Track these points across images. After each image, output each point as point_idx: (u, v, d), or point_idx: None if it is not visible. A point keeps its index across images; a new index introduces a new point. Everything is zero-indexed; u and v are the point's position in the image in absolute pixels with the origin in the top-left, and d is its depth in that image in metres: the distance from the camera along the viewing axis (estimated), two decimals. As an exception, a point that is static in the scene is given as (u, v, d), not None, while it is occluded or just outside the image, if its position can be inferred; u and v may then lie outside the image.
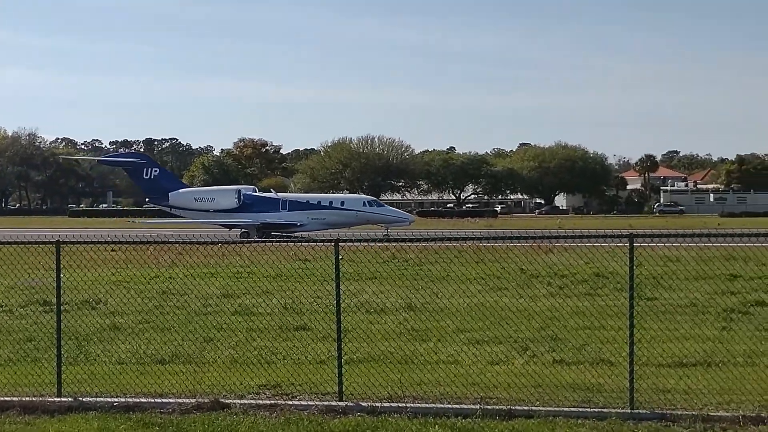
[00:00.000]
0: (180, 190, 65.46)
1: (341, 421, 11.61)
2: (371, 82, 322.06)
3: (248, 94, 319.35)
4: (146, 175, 64.53)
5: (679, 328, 17.47)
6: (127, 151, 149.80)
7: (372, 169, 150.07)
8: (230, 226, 60.30)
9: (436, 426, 11.22)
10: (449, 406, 12.01)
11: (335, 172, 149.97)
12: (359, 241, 19.21)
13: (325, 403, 12.34)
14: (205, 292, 23.63)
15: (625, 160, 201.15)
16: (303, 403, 12.41)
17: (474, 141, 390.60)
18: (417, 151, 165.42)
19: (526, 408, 11.80)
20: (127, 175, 77.22)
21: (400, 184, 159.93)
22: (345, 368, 13.13)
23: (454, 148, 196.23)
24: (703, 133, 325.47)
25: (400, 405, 12.04)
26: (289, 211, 61.61)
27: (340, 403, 12.26)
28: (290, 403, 12.37)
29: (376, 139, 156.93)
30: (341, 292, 13.13)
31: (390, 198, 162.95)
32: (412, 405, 12.05)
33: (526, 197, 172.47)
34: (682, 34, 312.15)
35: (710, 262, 30.50)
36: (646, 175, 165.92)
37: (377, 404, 12.12)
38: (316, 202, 63.60)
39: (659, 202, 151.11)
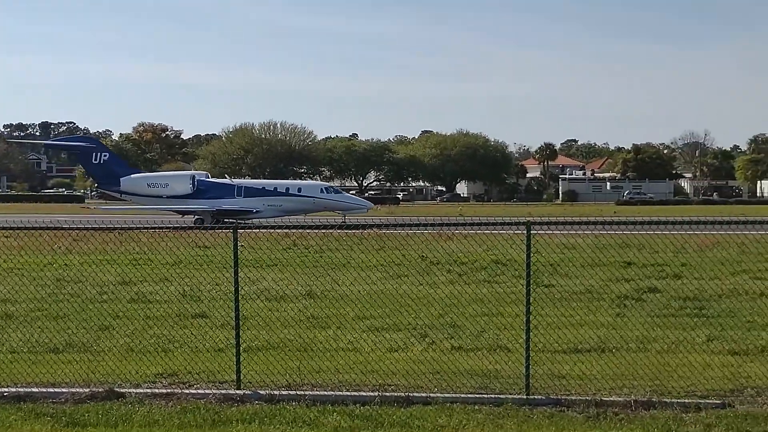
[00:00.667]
0: (131, 176, 63.24)
1: (239, 409, 11.52)
2: (274, 68, 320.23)
3: (148, 77, 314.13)
4: (95, 159, 62.35)
5: (575, 315, 17.83)
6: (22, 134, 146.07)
7: (274, 155, 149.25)
8: (184, 213, 58.77)
9: (334, 413, 11.21)
10: (348, 393, 12.02)
11: (237, 158, 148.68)
12: (259, 228, 19.02)
13: (223, 391, 12.23)
14: (101, 280, 23.15)
15: (525, 148, 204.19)
16: (200, 391, 12.27)
17: (377, 128, 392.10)
18: (320, 138, 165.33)
19: (424, 395, 11.87)
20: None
21: (303, 170, 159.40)
22: (243, 356, 13.03)
23: (357, 135, 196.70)
24: (600, 123, 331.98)
25: (298, 393, 12.00)
26: (244, 197, 60.07)
27: (237, 392, 12.15)
28: (187, 391, 12.22)
29: (278, 125, 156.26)
30: (240, 279, 13.01)
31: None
32: (310, 393, 12.03)
33: (428, 184, 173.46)
34: (581, 24, 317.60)
35: (606, 249, 31.00)
36: (546, 163, 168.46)
37: (275, 392, 12.05)
38: (272, 189, 61.92)
39: (629, 190, 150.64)
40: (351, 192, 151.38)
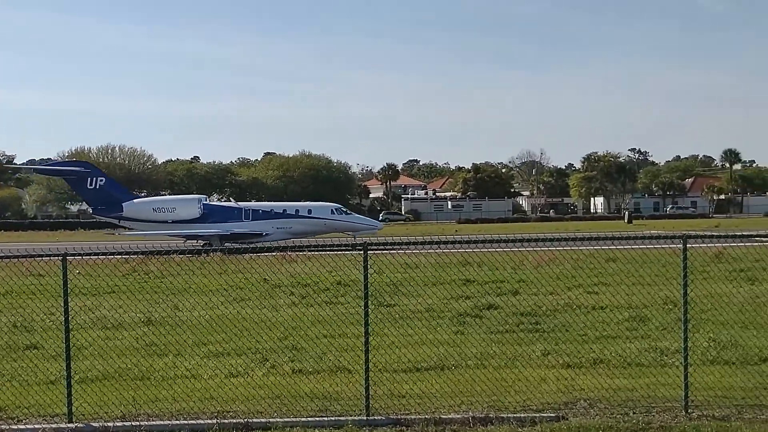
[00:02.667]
0: (135, 201, 60.66)
1: (70, 444, 11.11)
2: (113, 90, 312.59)
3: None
4: (91, 184, 59.27)
5: (416, 334, 17.96)
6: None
7: (114, 178, 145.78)
8: (194, 237, 56.14)
9: (171, 443, 10.95)
10: (185, 422, 11.75)
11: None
12: (94, 254, 18.45)
13: (54, 425, 11.76)
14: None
15: (368, 169, 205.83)
16: (29, 426, 11.78)
17: (218, 150, 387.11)
18: (160, 161, 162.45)
19: (264, 420, 11.71)
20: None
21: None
22: (77, 387, 12.62)
23: (198, 157, 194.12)
24: (441, 143, 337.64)
25: (133, 424, 11.66)
26: (252, 220, 58.29)
27: (69, 425, 11.72)
28: (15, 427, 11.71)
29: (117, 149, 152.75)
30: (77, 307, 12.61)
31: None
32: (146, 423, 11.70)
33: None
34: (421, 46, 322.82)
35: (447, 267, 31.65)
36: (388, 183, 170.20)
37: (109, 424, 11.68)
38: (281, 211, 60.01)
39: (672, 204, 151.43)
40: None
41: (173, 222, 57.91)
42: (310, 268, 31.50)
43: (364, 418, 11.73)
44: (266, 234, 56.88)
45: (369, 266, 12.51)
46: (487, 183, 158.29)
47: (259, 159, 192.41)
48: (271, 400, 12.82)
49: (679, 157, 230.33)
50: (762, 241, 34.74)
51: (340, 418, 11.77)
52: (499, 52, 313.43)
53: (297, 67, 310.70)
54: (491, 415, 11.65)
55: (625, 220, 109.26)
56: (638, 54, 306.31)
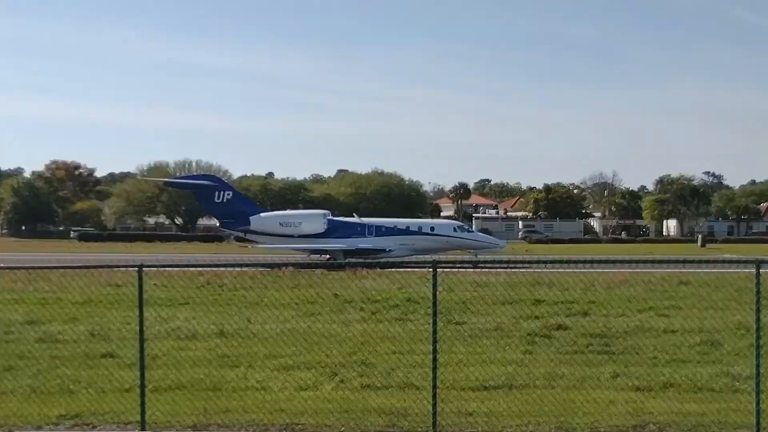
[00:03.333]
0: (262, 215, 61.61)
1: (143, 451, 11.39)
2: (187, 106, 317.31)
3: (61, 114, 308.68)
4: (218, 198, 60.41)
5: (485, 352, 18.00)
6: None
7: (189, 193, 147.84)
8: (319, 252, 57.16)
9: (241, 453, 11.14)
10: (255, 433, 11.96)
11: (152, 196, 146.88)
12: (168, 266, 18.84)
13: (127, 432, 12.07)
14: (7, 319, 22.67)
15: (440, 187, 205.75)
16: (103, 432, 12.09)
17: (293, 167, 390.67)
18: (235, 177, 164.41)
19: (332, 434, 11.87)
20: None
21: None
22: (151, 396, 12.90)
23: (272, 173, 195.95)
24: (513, 163, 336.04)
25: (205, 433, 11.89)
26: (376, 236, 58.97)
27: (142, 432, 12.01)
28: (90, 432, 12.03)
29: (193, 164, 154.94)
30: (151, 318, 12.91)
31: (207, 223, 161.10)
32: (217, 433, 11.93)
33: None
34: (489, 66, 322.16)
35: (517, 287, 31.55)
36: (459, 202, 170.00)
37: (181, 432, 11.94)
38: (404, 228, 60.74)
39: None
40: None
41: (299, 236, 58.44)
42: (380, 284, 31.68)
43: (431, 434, 11.83)
44: (389, 250, 57.12)
45: (439, 284, 12.61)
46: (559, 204, 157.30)
47: (332, 176, 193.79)
48: (339, 414, 12.97)
49: (754, 181, 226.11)
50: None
51: (407, 433, 11.87)
52: (570, 73, 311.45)
53: (370, 85, 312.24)
54: (558, 436, 11.66)
55: (698, 244, 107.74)
56: (713, 76, 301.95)
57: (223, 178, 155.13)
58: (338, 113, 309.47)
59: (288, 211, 72.22)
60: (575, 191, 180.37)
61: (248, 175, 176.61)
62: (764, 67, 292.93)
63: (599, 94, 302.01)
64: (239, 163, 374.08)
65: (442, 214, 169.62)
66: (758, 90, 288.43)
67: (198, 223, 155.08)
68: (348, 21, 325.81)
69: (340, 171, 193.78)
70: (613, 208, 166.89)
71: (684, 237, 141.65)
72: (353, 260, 21.16)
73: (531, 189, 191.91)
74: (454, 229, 59.99)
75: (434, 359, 12.35)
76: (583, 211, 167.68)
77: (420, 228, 60.47)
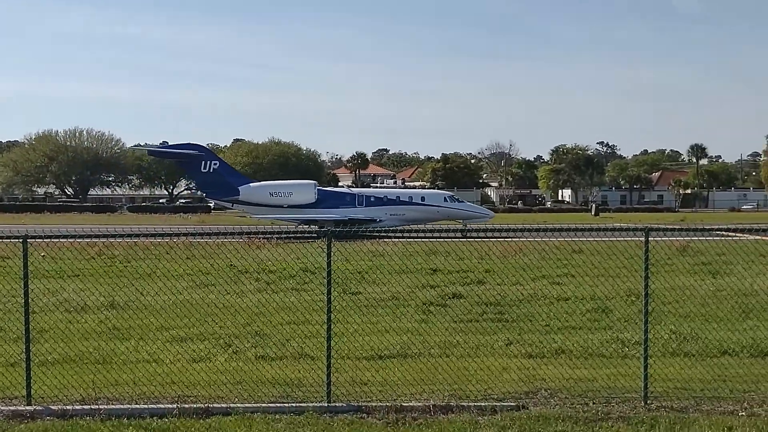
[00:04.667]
0: (251, 185, 59.98)
1: (28, 426, 11.00)
2: (80, 75, 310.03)
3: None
4: (204, 168, 58.73)
5: (380, 322, 18.01)
6: None
7: (80, 163, 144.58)
8: (310, 222, 55.73)
9: (131, 427, 10.85)
10: (145, 406, 11.68)
11: (41, 165, 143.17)
12: (56, 237, 18.23)
13: (12, 407, 11.64)
14: None
15: (338, 157, 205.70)
16: (-13, 407, 11.67)
17: (187, 136, 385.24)
18: (128, 146, 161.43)
19: (224, 405, 11.67)
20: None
21: (111, 178, 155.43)
22: (37, 370, 12.53)
23: (166, 142, 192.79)
24: (410, 133, 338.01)
25: (93, 407, 11.56)
26: (366, 206, 57.90)
27: (27, 408, 11.61)
28: (-27, 408, 11.60)
29: (84, 133, 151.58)
30: (39, 290, 12.50)
31: (100, 193, 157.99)
32: (106, 407, 11.60)
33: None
34: (393, 38, 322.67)
35: (414, 256, 31.64)
36: (357, 172, 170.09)
37: (69, 407, 11.57)
38: (395, 198, 59.64)
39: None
40: (161, 201, 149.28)
41: (288, 207, 57.66)
42: (276, 255, 31.45)
43: (326, 404, 11.72)
44: (380, 220, 56.71)
45: (336, 254, 12.49)
46: (456, 173, 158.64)
47: (227, 145, 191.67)
48: (232, 385, 12.78)
49: (646, 151, 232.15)
50: (725, 236, 34.99)
51: (301, 404, 11.75)
52: (470, 46, 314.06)
53: (269, 56, 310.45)
54: (452, 404, 11.67)
55: (592, 213, 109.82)
56: (608, 49, 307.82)
57: (115, 147, 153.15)
58: (236, 83, 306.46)
59: (278, 181, 70.73)
60: (473, 161, 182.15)
61: (141, 144, 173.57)
62: (658, 42, 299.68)
63: (498, 67, 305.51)
64: (133, 132, 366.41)
65: (340, 183, 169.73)
66: (653, 62, 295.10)
67: (89, 193, 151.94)
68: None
69: (236, 140, 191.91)
70: (510, 178, 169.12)
71: (578, 206, 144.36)
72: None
73: (429, 159, 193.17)
74: (445, 199, 59.87)
75: (329, 329, 12.24)
76: (481, 181, 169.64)
77: (411, 198, 60.14)
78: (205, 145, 60.84)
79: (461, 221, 57.43)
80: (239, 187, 58.63)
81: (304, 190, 59.63)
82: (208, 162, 59.27)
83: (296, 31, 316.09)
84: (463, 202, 63.23)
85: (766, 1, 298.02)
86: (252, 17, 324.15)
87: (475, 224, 55.79)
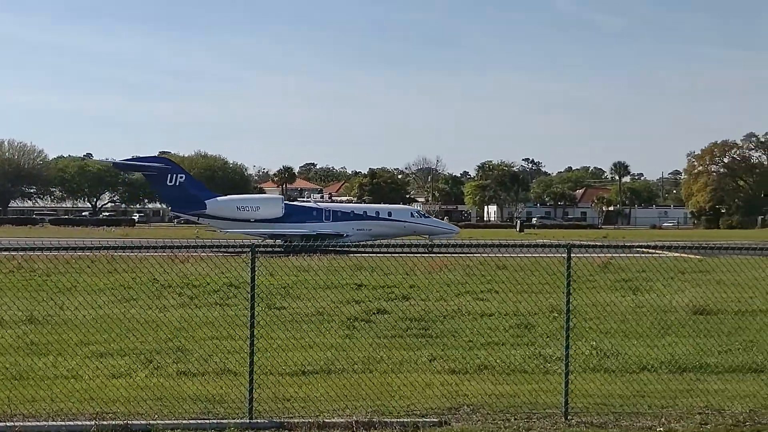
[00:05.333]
0: (218, 199, 59.30)
1: (-60, 445, 10.74)
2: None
3: None
4: (170, 181, 57.66)
5: (304, 337, 17.91)
6: None
7: (0, 174, 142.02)
8: (278, 237, 54.90)
9: (47, 445, 10.66)
10: (62, 423, 11.44)
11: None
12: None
13: None
14: None
15: (265, 171, 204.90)
16: None
17: (113, 148, 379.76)
18: (51, 157, 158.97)
19: (144, 422, 11.49)
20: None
21: (32, 190, 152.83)
22: (-51, 387, 12.21)
23: (91, 154, 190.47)
24: (338, 147, 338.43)
25: (8, 424, 11.30)
26: (333, 221, 57.71)
27: (-61, 426, 11.33)
28: None
29: (5, 143, 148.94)
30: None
31: (21, 205, 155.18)
32: (21, 423, 11.35)
33: (165, 206, 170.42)
34: (319, 50, 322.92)
35: (339, 272, 31.65)
36: (284, 186, 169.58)
37: (-18, 425, 11.33)
38: (362, 213, 59.74)
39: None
40: (84, 213, 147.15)
41: (255, 221, 57.32)
42: (201, 269, 31.13)
43: (247, 421, 11.62)
44: (347, 235, 56.59)
45: (261, 268, 12.42)
46: (383, 188, 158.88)
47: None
48: (152, 401, 12.60)
49: (570, 168, 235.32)
50: (646, 253, 35.63)
51: (222, 421, 11.64)
52: (398, 59, 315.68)
53: (194, 66, 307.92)
54: (375, 420, 11.65)
55: (517, 229, 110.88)
56: (534, 66, 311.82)
57: (37, 159, 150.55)
58: (163, 94, 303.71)
59: (245, 195, 71.92)
60: (400, 176, 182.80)
61: (65, 156, 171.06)
62: (584, 59, 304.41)
63: (427, 81, 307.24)
64: (56, 143, 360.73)
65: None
66: (578, 79, 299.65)
67: (10, 205, 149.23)
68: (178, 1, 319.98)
69: (161, 153, 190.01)
70: (437, 194, 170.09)
71: (504, 222, 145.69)
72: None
73: (356, 173, 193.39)
74: (412, 215, 60.40)
75: (252, 344, 12.15)
76: (407, 196, 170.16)
77: (377, 213, 60.25)
78: (170, 158, 60.37)
79: (427, 236, 57.75)
80: (206, 201, 58.30)
81: (271, 204, 59.90)
82: (175, 175, 58.70)
83: (225, 41, 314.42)
84: (429, 217, 64.55)
85: (686, 19, 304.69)
86: (179, 26, 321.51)
87: (440, 240, 56.38)
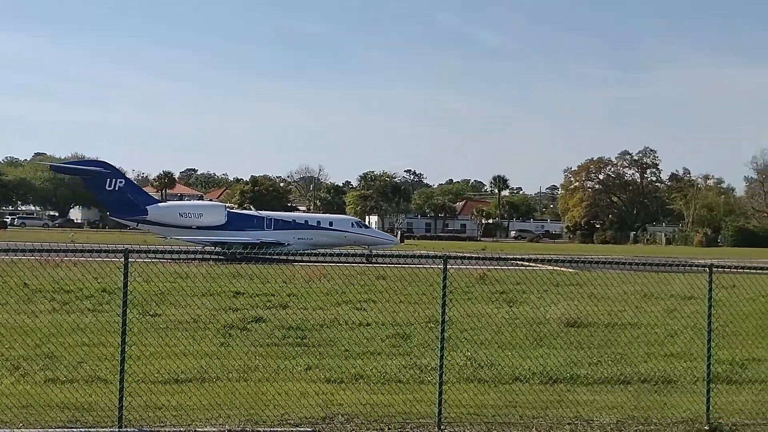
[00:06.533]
0: (160, 205, 57.64)
1: None
2: None
3: None
4: (110, 186, 55.71)
5: (179, 344, 17.61)
6: None
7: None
8: (220, 244, 53.06)
9: None
10: None
11: None
12: None
13: None
14: None
15: (144, 175, 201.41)
16: None
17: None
18: None
19: (8, 430, 11.15)
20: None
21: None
22: None
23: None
24: (220, 154, 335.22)
25: None
26: (274, 230, 56.87)
27: None
28: None
29: None
30: None
31: None
32: None
33: (39, 209, 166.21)
34: (206, 55, 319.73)
35: (218, 279, 31.31)
36: (164, 191, 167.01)
37: None
38: (303, 222, 59.31)
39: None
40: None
41: (198, 228, 56.39)
42: (74, 274, 30.39)
43: (116, 429, 11.37)
44: (288, 244, 55.79)
45: (135, 273, 12.18)
46: (265, 196, 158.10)
47: (28, 159, 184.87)
48: (18, 409, 12.21)
49: (451, 180, 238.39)
50: (522, 265, 36.25)
51: (90, 429, 11.36)
52: (283, 67, 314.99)
53: (75, 68, 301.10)
54: (248, 429, 11.56)
55: (398, 240, 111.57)
56: (418, 78, 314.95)
57: None
58: (40, 95, 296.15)
59: (188, 201, 70.35)
60: (282, 184, 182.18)
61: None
62: (466, 71, 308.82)
63: (309, 88, 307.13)
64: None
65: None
66: (459, 92, 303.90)
67: None
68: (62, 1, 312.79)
69: (37, 154, 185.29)
70: (318, 203, 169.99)
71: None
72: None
73: (238, 180, 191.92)
74: (352, 225, 60.72)
75: (123, 351, 11.88)
76: (289, 204, 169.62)
77: (318, 222, 60.48)
78: (110, 163, 59.05)
79: (366, 246, 58.26)
80: (147, 207, 57.35)
81: (214, 211, 59.42)
82: (114, 180, 57.45)
83: (103, 41, 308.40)
84: (369, 228, 65.74)
85: (565, 39, 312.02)
86: (57, 25, 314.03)
87: (378, 250, 57.50)
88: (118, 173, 60.37)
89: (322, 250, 53.75)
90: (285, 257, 44.70)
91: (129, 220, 60.10)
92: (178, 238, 56.83)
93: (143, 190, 66.00)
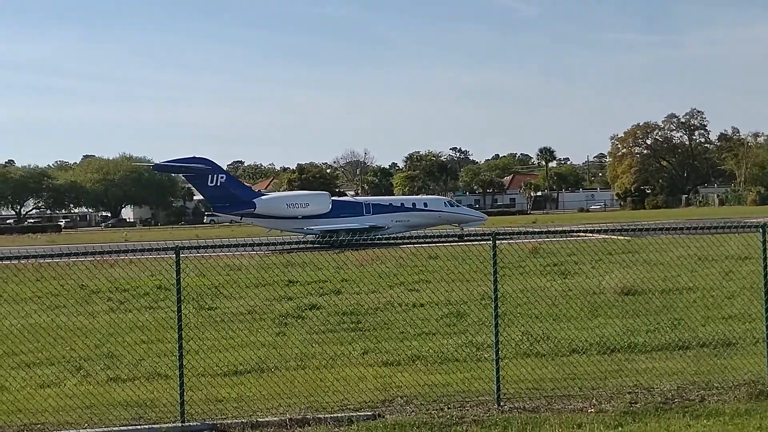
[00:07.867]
0: (264, 197, 59.23)
1: None
2: None
3: None
4: (212, 182, 56.95)
5: (236, 336, 17.77)
6: None
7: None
8: (330, 232, 53.44)
9: (-27, 460, 10.44)
10: (-11, 437, 11.26)
11: None
12: None
13: None
14: None
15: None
16: None
17: (35, 154, 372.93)
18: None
19: (74, 431, 11.32)
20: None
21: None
22: None
23: (13, 161, 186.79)
24: (266, 144, 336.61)
25: (-68, 442, 11.07)
26: (373, 214, 57.84)
27: None
28: None
29: None
30: None
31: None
32: (-54, 440, 11.13)
33: (91, 210, 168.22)
34: (242, 48, 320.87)
35: (270, 269, 31.49)
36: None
37: None
38: (399, 205, 60.29)
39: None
40: (8, 222, 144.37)
41: (303, 218, 57.29)
42: (130, 273, 30.77)
43: (179, 424, 11.50)
44: (387, 227, 56.98)
45: (191, 269, 12.30)
46: (312, 183, 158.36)
47: (77, 162, 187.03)
48: (82, 410, 12.41)
49: (498, 155, 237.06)
50: (574, 236, 36.04)
51: (154, 425, 11.50)
52: (324, 54, 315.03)
53: (108, 69, 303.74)
54: (308, 416, 11.62)
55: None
56: (457, 55, 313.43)
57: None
58: (84, 98, 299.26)
59: (293, 192, 73.14)
60: (328, 170, 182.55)
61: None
62: (503, 46, 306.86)
63: (353, 75, 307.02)
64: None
65: (195, 198, 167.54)
66: (499, 68, 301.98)
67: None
68: (95, 1, 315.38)
69: (85, 157, 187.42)
70: (366, 186, 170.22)
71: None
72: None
73: (284, 170, 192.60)
74: (445, 204, 61.70)
75: (180, 347, 12.01)
76: (337, 190, 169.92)
77: (414, 204, 61.09)
78: (209, 158, 59.58)
79: (459, 225, 59.48)
80: (254, 200, 58.23)
81: (320, 200, 60.00)
82: (215, 176, 58.08)
83: (140, 41, 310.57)
84: (460, 206, 66.41)
85: (600, 7, 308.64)
86: (94, 27, 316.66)
87: (471, 227, 58.93)
88: (219, 169, 60.48)
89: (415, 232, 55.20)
90: (386, 241, 45.16)
91: (234, 214, 60.59)
92: (287, 229, 57.74)
93: (243, 184, 66.67)
